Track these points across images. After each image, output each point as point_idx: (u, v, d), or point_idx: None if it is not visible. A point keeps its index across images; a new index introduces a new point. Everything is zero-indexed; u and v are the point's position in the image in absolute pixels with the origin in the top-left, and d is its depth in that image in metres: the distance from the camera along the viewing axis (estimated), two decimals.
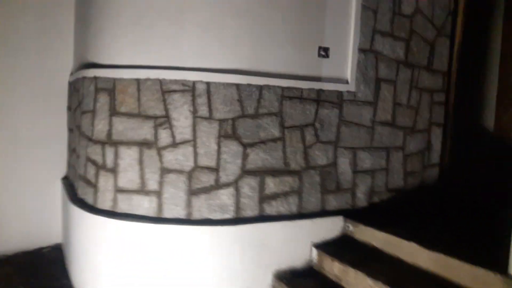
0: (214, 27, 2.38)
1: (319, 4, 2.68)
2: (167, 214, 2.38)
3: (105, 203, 2.42)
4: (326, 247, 2.65)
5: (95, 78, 2.44)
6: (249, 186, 2.50)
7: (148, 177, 2.36)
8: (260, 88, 2.48)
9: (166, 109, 2.34)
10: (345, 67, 2.83)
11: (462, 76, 3.56)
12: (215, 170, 2.42)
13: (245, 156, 2.48)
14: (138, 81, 2.33)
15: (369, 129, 2.97)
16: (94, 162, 2.46)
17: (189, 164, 2.38)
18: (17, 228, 3.21)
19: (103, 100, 2.41)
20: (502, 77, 4.07)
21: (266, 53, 2.52)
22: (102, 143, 2.40)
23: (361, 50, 2.85)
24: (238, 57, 2.44)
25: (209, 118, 2.38)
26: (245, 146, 2.47)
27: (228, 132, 2.42)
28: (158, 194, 2.37)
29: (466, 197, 3.35)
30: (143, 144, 2.35)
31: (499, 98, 4.08)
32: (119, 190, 2.39)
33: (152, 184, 2.37)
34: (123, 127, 2.36)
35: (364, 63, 2.87)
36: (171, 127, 2.35)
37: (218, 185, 2.43)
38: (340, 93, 2.79)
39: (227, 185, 2.44)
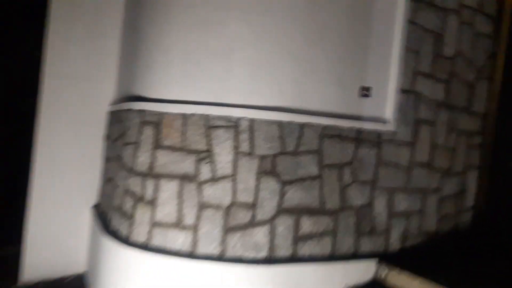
0: (260, 65, 2.39)
1: (362, 44, 2.69)
2: (201, 250, 2.35)
3: (140, 236, 2.40)
4: None
5: (142, 111, 2.46)
6: (284, 225, 2.46)
7: (186, 211, 2.35)
8: (301, 126, 2.47)
9: (209, 144, 2.34)
10: (385, 107, 2.81)
11: (501, 118, 3.49)
12: (253, 207, 2.39)
13: (282, 194, 2.45)
14: (184, 115, 2.35)
15: (407, 170, 2.92)
16: (133, 194, 2.46)
17: (227, 200, 2.36)
18: (43, 256, 3.12)
19: (148, 133, 2.42)
20: None
21: (308, 91, 2.52)
22: (143, 175, 2.41)
23: (402, 91, 2.83)
24: (281, 95, 2.45)
25: (250, 154, 2.37)
26: (283, 183, 2.45)
27: (268, 168, 2.40)
28: (194, 229, 2.35)
29: (503, 243, 3.23)
30: (184, 178, 2.35)
31: None
32: (155, 224, 2.37)
33: (189, 219, 2.35)
34: (165, 160, 2.37)
35: (404, 104, 2.85)
36: (213, 161, 2.34)
37: (253, 223, 2.39)
38: (379, 133, 2.76)
39: (263, 223, 2.41)
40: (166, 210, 2.36)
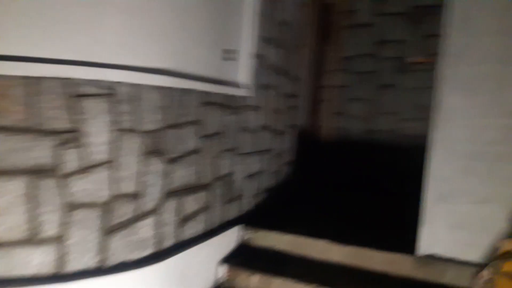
0: (137, 12, 1.81)
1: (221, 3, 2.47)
2: (73, 266, 1.70)
3: None
4: (232, 260, 2.55)
5: None
6: (169, 211, 2.10)
7: (44, 218, 1.61)
8: (183, 93, 2.09)
9: (75, 121, 1.64)
10: (242, 72, 2.73)
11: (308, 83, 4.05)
12: (136, 196, 1.90)
13: (167, 175, 2.05)
14: (30, 80, 1.52)
15: (254, 133, 3.00)
16: None
17: (104, 194, 1.76)
18: None
19: None
20: (312, 83, 4.89)
21: (187, 50, 2.14)
22: None
23: (254, 55, 2.81)
24: (164, 55, 1.97)
25: (133, 130, 1.83)
26: (168, 162, 2.04)
27: (153, 147, 1.94)
28: (60, 240, 1.66)
29: (307, 190, 3.88)
30: (36, 172, 1.57)
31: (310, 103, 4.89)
32: None
33: (50, 228, 1.63)
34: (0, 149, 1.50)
35: (255, 69, 2.85)
36: (81, 145, 1.67)
37: (138, 216, 1.92)
38: (240, 98, 2.68)
39: (148, 213, 1.96)
40: (8, 222, 1.54)
